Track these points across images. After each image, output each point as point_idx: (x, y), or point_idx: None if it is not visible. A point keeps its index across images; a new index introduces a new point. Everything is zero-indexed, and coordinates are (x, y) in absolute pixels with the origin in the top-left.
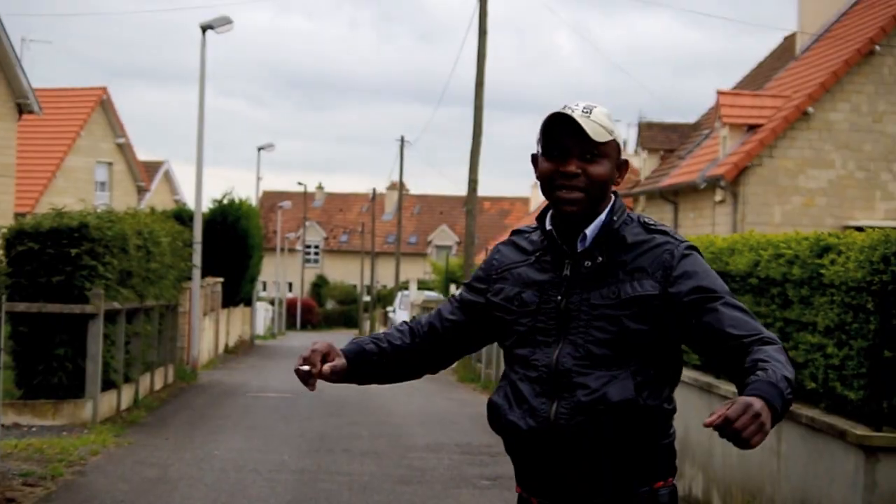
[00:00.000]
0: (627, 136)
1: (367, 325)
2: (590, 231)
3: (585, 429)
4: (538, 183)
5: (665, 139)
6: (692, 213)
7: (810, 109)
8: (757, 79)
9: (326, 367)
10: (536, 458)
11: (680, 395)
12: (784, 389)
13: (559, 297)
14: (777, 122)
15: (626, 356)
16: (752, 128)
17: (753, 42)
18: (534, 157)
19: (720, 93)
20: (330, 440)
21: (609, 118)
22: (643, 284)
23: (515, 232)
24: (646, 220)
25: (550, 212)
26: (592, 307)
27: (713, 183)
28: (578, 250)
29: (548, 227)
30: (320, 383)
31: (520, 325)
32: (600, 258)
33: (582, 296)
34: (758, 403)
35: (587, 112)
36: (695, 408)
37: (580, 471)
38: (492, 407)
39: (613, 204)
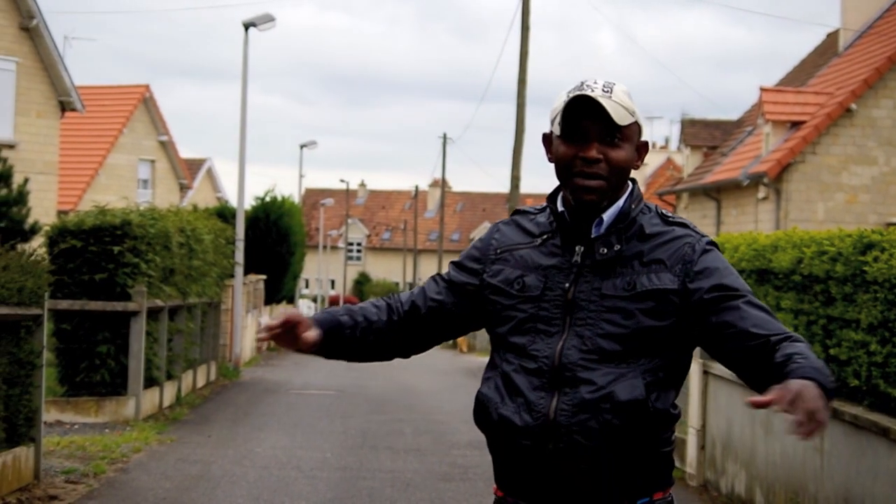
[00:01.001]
0: (670, 133)
1: None
2: (607, 216)
3: (587, 429)
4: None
5: (708, 136)
6: (735, 210)
7: (853, 106)
8: (800, 75)
9: (308, 334)
10: (527, 458)
11: (723, 391)
12: (828, 375)
13: (567, 285)
14: (820, 118)
15: (637, 354)
16: (796, 124)
17: (796, 39)
18: (546, 137)
19: (763, 90)
20: (373, 437)
21: (630, 97)
22: (661, 277)
23: (519, 212)
24: (663, 211)
25: (562, 192)
26: (603, 297)
27: (756, 180)
28: (593, 235)
29: (559, 208)
30: (365, 379)
31: (519, 311)
32: (617, 246)
33: (593, 285)
34: (814, 386)
35: (607, 91)
36: (738, 405)
37: (575, 475)
38: (481, 400)
39: (632, 191)
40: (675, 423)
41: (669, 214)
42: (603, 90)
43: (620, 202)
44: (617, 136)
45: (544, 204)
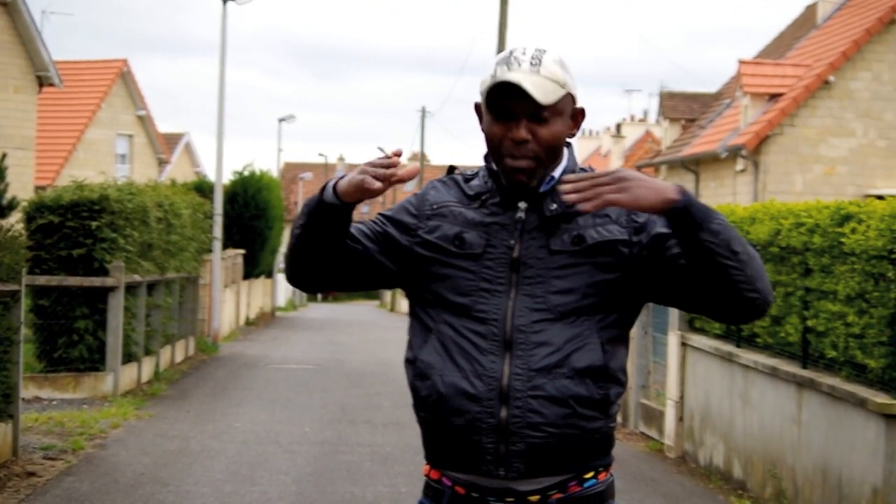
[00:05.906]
0: (649, 106)
1: (388, 296)
2: (557, 173)
3: (543, 394)
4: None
5: (686, 109)
6: (713, 182)
7: (831, 78)
8: (778, 48)
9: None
10: (475, 429)
11: (701, 363)
12: (714, 214)
13: (511, 242)
14: (798, 91)
15: (592, 309)
16: (774, 97)
17: (775, 11)
18: (478, 107)
19: (742, 62)
20: (351, 411)
21: (562, 65)
22: (609, 229)
23: (453, 172)
24: (595, 170)
25: None
26: (552, 254)
27: (734, 152)
28: (541, 190)
29: (495, 167)
30: (343, 354)
31: (458, 270)
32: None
33: (539, 242)
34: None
35: (535, 64)
36: (716, 377)
37: (526, 445)
38: (421, 367)
39: (570, 153)
40: (623, 390)
41: None
42: (531, 63)
43: (564, 162)
44: (546, 113)
45: (476, 169)
